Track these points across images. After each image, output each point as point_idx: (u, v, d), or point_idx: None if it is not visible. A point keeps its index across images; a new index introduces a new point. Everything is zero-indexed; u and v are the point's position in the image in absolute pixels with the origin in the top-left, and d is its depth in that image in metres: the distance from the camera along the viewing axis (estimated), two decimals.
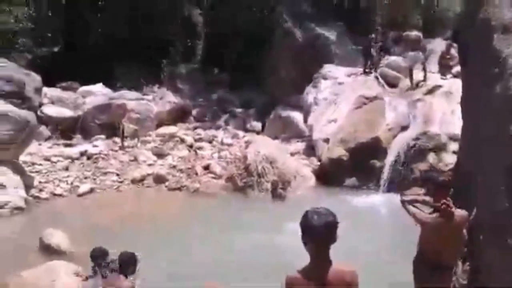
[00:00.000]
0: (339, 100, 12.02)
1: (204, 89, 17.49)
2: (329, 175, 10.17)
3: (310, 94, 13.08)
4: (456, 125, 8.67)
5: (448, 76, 11.99)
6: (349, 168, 10.01)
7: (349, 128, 10.73)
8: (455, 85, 9.88)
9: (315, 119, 11.88)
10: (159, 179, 10.38)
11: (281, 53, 16.53)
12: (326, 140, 10.83)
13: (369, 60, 13.02)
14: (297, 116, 13.90)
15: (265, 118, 15.13)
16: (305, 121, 12.90)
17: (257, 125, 15.12)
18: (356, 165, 9.96)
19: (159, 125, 14.13)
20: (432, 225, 3.77)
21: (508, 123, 3.49)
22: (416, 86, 11.66)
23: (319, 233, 2.32)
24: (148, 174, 10.55)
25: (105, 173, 10.57)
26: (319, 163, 10.59)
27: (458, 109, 8.44)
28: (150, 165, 11.15)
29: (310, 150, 11.51)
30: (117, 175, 10.57)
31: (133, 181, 10.27)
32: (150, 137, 13.20)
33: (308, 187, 9.82)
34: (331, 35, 16.26)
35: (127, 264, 3.99)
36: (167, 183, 10.30)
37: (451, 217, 3.67)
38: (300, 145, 12.58)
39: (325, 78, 13.16)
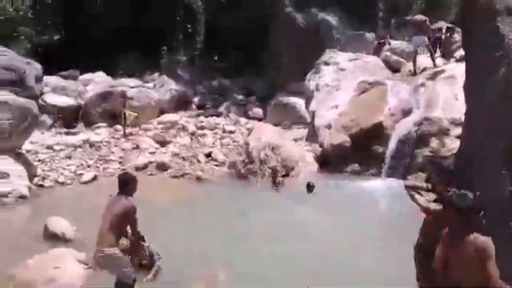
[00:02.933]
0: (341, 86, 11.95)
1: (205, 76, 17.41)
2: (331, 161, 10.17)
3: (311, 80, 13.00)
4: (459, 110, 8.60)
5: (451, 60, 11.88)
6: (351, 154, 10.01)
7: (351, 114, 10.70)
8: (458, 70, 9.78)
9: (317, 105, 11.83)
10: (162, 167, 10.40)
11: (282, 39, 16.39)
12: (328, 126, 10.81)
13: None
14: (299, 102, 13.85)
15: (267, 105, 15.07)
16: (307, 107, 12.84)
17: (259, 112, 15.08)
18: (358, 151, 9.96)
19: (160, 113, 14.11)
20: (437, 214, 3.77)
21: None
22: (421, 71, 11.53)
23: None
24: (151, 162, 10.56)
25: (108, 161, 10.59)
26: (321, 149, 10.58)
27: (461, 94, 8.38)
28: (152, 152, 11.16)
29: (312, 136, 11.49)
30: (120, 162, 10.60)
31: (136, 169, 10.28)
32: (152, 125, 13.19)
33: (310, 173, 9.82)
34: (333, 20, 16.09)
35: (126, 183, 4.48)
36: (169, 171, 10.32)
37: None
38: (302, 132, 12.56)
39: (327, 64, 13.06)
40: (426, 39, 11.65)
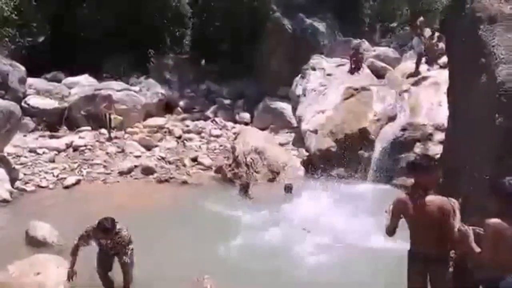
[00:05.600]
0: (327, 91, 12.03)
1: (192, 80, 17.36)
2: (317, 166, 10.21)
3: (298, 85, 13.07)
4: (442, 116, 8.74)
5: (435, 67, 12.07)
6: (337, 159, 10.06)
7: (337, 119, 10.77)
8: (442, 76, 9.94)
9: (304, 110, 11.88)
10: (147, 171, 10.31)
11: (270, 44, 16.46)
12: (315, 131, 10.86)
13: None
14: (286, 107, 13.90)
15: (254, 109, 15.09)
16: (294, 112, 12.89)
17: (246, 116, 15.09)
18: (344, 155, 10.03)
19: (146, 117, 14.01)
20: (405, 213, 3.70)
21: (494, 112, 3.53)
22: (407, 77, 11.66)
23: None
24: (136, 166, 10.46)
25: (92, 165, 10.46)
26: (307, 154, 10.62)
27: (444, 100, 8.51)
28: (137, 156, 11.06)
29: (299, 141, 11.53)
30: (104, 166, 10.47)
31: (121, 173, 10.18)
32: (138, 129, 13.09)
33: (297, 178, 9.83)
34: (320, 25, 16.25)
35: None
36: (155, 175, 10.23)
37: (424, 201, 3.56)
38: (289, 136, 12.60)
39: (313, 69, 13.14)
40: (421, 42, 11.78)
